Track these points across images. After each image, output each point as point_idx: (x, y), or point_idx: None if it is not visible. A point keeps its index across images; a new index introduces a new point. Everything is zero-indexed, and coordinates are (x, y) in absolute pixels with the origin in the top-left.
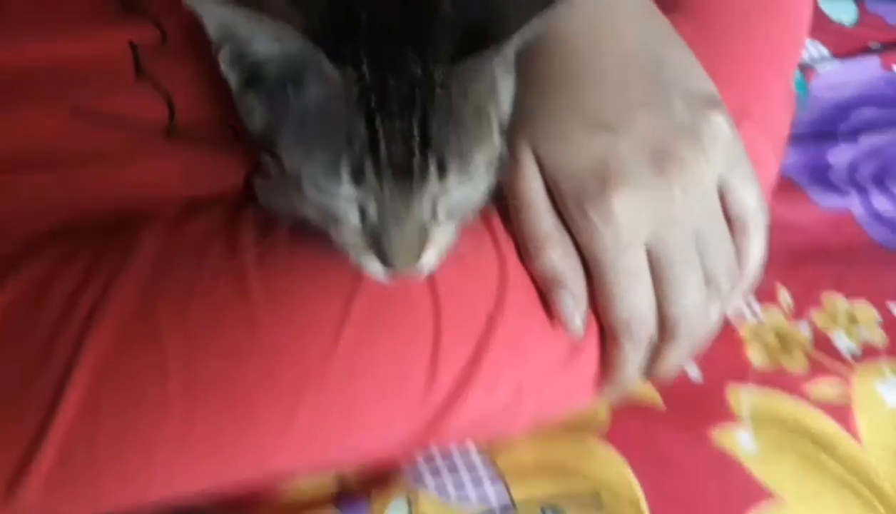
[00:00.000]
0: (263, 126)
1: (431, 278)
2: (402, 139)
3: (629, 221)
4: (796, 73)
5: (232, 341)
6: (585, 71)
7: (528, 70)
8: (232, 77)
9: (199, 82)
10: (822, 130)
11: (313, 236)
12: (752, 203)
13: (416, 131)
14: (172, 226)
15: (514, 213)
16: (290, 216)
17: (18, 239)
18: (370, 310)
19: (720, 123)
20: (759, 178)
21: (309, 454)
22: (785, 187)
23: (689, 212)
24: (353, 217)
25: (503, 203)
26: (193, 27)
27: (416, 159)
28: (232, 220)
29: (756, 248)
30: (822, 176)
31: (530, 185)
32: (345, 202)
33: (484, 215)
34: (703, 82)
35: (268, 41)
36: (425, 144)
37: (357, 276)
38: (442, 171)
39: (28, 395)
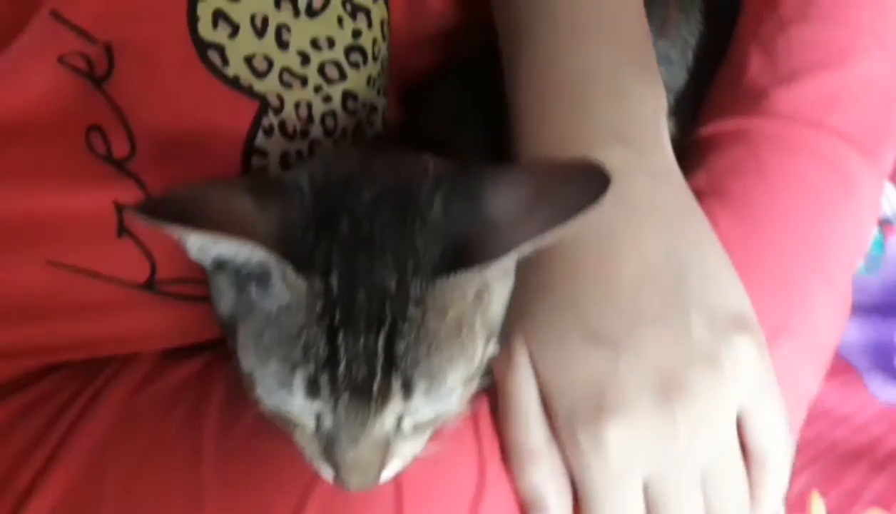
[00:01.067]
0: (227, 316)
1: (398, 481)
2: (364, 358)
3: (623, 455)
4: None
5: None
6: (594, 279)
7: (533, 264)
8: (202, 260)
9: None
10: (893, 301)
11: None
12: (775, 436)
13: (380, 351)
14: (143, 379)
15: (501, 415)
16: None
17: None
18: (323, 511)
19: (745, 349)
20: (790, 397)
21: None
22: (839, 370)
23: (695, 450)
24: (309, 423)
25: (494, 390)
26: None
27: (378, 380)
28: (205, 375)
29: (774, 486)
30: (886, 360)
31: (522, 389)
32: (299, 409)
33: (470, 408)
34: (733, 297)
35: (232, 251)
36: (390, 364)
37: (315, 474)
38: (408, 392)
39: None
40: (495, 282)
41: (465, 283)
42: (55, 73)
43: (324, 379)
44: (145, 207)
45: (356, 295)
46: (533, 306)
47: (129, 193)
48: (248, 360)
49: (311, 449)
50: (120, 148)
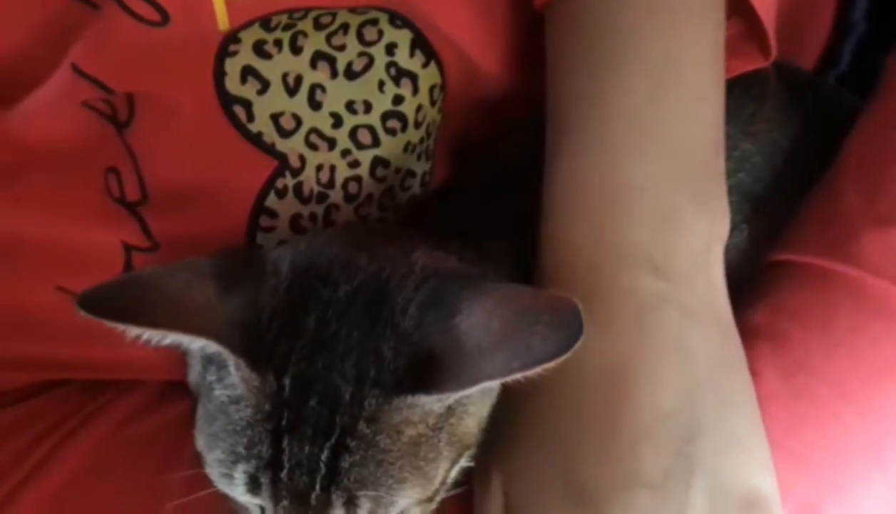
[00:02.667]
0: (194, 385)
1: None
2: (307, 468)
3: None
4: None
5: None
6: (594, 425)
7: (529, 386)
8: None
9: None
10: None
11: None
12: None
13: (323, 464)
14: (130, 415)
15: None
16: None
17: None
18: None
19: None
20: None
21: None
22: None
23: None
24: (254, 511)
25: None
26: (181, 241)
27: (316, 494)
28: (187, 422)
29: None
30: None
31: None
32: (243, 501)
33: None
34: (752, 471)
35: (186, 341)
36: (331, 479)
37: None
38: (350, 509)
39: None
40: (473, 400)
41: (424, 409)
42: (80, 113)
43: (265, 479)
44: (86, 301)
45: (308, 400)
46: (519, 439)
47: (136, 235)
48: (199, 439)
49: None
50: (133, 192)
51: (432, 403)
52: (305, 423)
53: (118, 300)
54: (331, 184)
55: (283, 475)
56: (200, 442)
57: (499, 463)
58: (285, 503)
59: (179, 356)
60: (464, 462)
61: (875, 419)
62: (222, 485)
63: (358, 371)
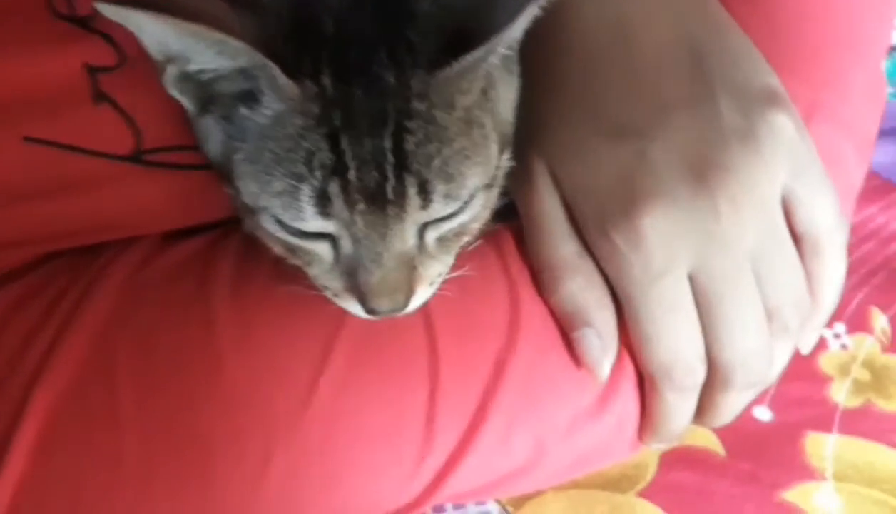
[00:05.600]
0: (219, 154)
1: (427, 313)
2: (373, 161)
3: (662, 246)
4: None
5: (194, 386)
6: (608, 69)
7: (540, 71)
8: (184, 101)
9: (165, 105)
10: None
11: (295, 274)
12: (826, 217)
13: (389, 152)
14: (145, 257)
15: (527, 237)
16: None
17: None
18: (354, 353)
19: (782, 123)
20: (836, 185)
21: None
22: (881, 191)
23: (740, 231)
24: (326, 254)
25: (517, 223)
26: None
27: (392, 185)
28: (212, 248)
29: (832, 272)
30: None
31: (544, 205)
32: (312, 239)
33: (493, 237)
34: (760, 74)
35: (210, 56)
36: (401, 166)
37: (339, 316)
38: (425, 196)
39: None
40: (500, 80)
41: (470, 74)
42: None
43: (334, 188)
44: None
45: (353, 95)
46: (545, 119)
47: (99, 53)
48: (250, 191)
49: (333, 284)
50: (83, 4)
51: (477, 69)
52: (358, 117)
53: (142, 3)
54: None
55: (352, 175)
56: (253, 193)
57: (538, 148)
58: (360, 206)
59: (167, 199)
60: (506, 161)
61: (845, 16)
62: (288, 218)
63: (393, 58)
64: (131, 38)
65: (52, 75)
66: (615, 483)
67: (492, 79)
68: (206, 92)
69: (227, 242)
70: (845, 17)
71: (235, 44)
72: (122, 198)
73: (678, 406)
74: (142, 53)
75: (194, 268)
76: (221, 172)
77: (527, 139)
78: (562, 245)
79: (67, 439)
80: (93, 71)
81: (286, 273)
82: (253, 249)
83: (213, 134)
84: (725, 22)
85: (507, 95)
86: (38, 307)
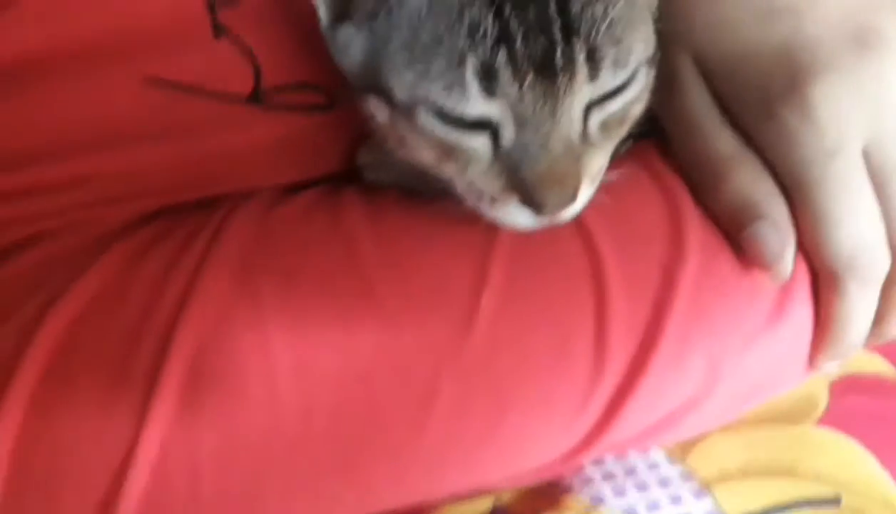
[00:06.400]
0: (363, 59)
1: (582, 222)
2: (539, 27)
3: (835, 118)
4: None
5: (342, 324)
6: None
7: None
8: (323, 10)
9: (285, 39)
10: None
11: (432, 203)
12: None
13: (555, 15)
14: (269, 205)
15: (677, 138)
16: (404, 187)
17: (90, 238)
18: (511, 269)
19: None
20: None
21: (452, 464)
22: None
23: None
24: (484, 150)
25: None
26: None
27: (560, 50)
28: (334, 193)
29: None
30: None
31: (694, 99)
32: (471, 131)
33: (634, 149)
34: None
35: None
36: (569, 30)
37: (490, 233)
38: (594, 64)
39: (120, 391)
40: None
41: None
42: None
43: (501, 60)
44: None
45: None
46: (688, 10)
47: None
48: (405, 84)
49: (492, 185)
50: None
51: None
52: None
53: None
54: None
55: (518, 44)
56: (408, 84)
57: (681, 41)
58: (529, 78)
59: (286, 146)
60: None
61: None
62: (451, 102)
63: None
64: None
65: (168, 12)
66: (786, 416)
67: None
68: None
69: (348, 188)
70: None
71: None
72: (241, 142)
73: (860, 304)
74: None
75: (323, 207)
76: (363, 84)
77: (663, 37)
78: (719, 138)
79: (214, 381)
80: (212, 4)
81: (419, 205)
82: (376, 193)
83: (353, 40)
84: None
85: None
86: (169, 247)
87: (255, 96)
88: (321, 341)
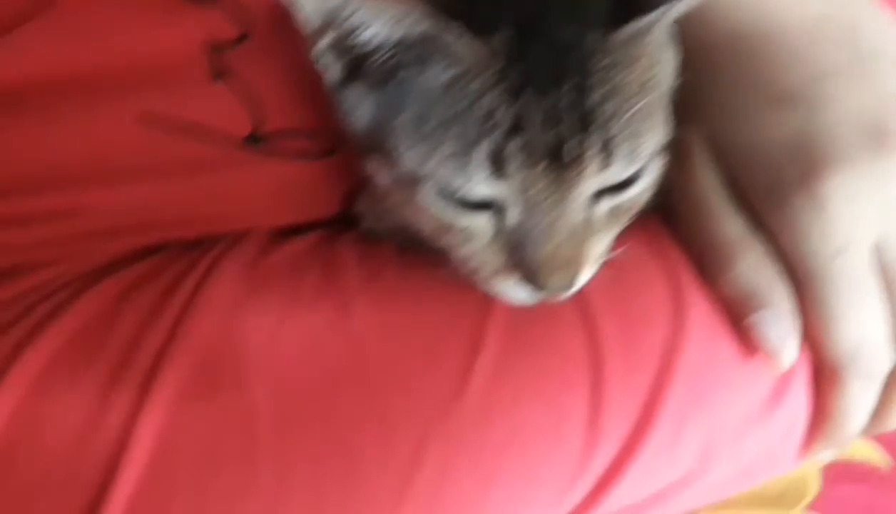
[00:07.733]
0: (370, 122)
1: (583, 299)
2: (554, 118)
3: (846, 214)
4: None
5: (330, 382)
6: (761, 43)
7: (691, 47)
8: (333, 70)
9: (288, 84)
10: None
11: (429, 262)
12: None
13: (571, 107)
14: (261, 249)
15: (686, 218)
16: (401, 239)
17: (83, 268)
18: (506, 340)
19: None
20: None
21: None
22: None
23: None
24: (484, 228)
25: (663, 213)
26: (279, 18)
27: (574, 141)
28: (328, 241)
29: None
30: None
31: (706, 181)
32: (473, 211)
33: (639, 222)
34: None
35: (388, 25)
36: (583, 122)
37: (487, 302)
38: (606, 156)
39: (86, 453)
40: (661, 51)
41: (645, 36)
42: None
43: (512, 149)
44: None
45: (531, 50)
46: (699, 92)
47: (220, 27)
48: (412, 157)
49: (491, 262)
50: None
51: (654, 25)
52: (538, 73)
53: None
54: None
55: (532, 133)
56: (415, 158)
57: (690, 130)
58: (541, 166)
59: (282, 190)
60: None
61: None
62: (457, 184)
63: (569, 16)
64: (258, 13)
65: (169, 51)
66: (777, 500)
67: (661, 45)
68: (359, 60)
69: (343, 236)
70: None
71: (419, 15)
72: (236, 184)
73: (860, 399)
74: (266, 31)
75: (316, 258)
76: (367, 145)
77: (677, 116)
78: (728, 222)
79: (191, 443)
80: (213, 45)
81: (416, 264)
82: (373, 245)
83: (361, 103)
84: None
85: (667, 65)
86: (154, 293)
87: (254, 139)
88: (303, 399)
